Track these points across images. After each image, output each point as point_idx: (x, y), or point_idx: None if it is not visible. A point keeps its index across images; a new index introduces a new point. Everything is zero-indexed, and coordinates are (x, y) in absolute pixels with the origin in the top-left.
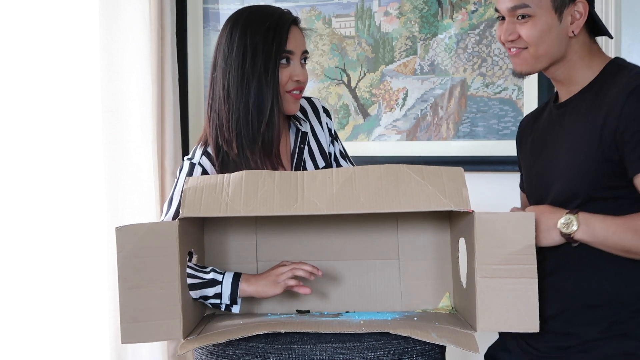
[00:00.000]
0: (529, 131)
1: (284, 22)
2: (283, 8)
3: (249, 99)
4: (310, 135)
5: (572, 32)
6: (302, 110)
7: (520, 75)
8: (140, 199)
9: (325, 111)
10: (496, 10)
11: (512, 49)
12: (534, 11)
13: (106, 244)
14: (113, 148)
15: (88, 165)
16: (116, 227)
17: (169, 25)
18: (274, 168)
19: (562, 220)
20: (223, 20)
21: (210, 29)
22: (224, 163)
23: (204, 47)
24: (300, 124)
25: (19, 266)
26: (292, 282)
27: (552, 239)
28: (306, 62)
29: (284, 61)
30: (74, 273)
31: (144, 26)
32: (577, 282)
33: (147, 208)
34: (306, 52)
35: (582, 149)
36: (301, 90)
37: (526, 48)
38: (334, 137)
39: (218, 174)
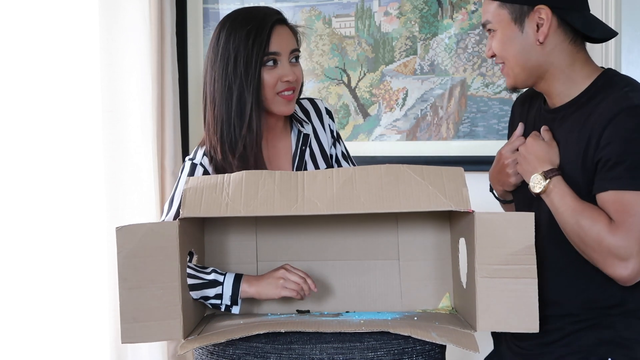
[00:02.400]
0: (519, 119)
1: (265, 23)
2: (273, 7)
3: (231, 103)
4: (312, 137)
5: (538, 40)
6: (305, 111)
7: (511, 89)
8: (140, 199)
9: (328, 112)
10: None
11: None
12: (495, 26)
13: (106, 244)
14: (113, 148)
15: (88, 165)
16: (116, 227)
17: (169, 25)
18: (259, 169)
19: (532, 180)
20: None
21: (210, 29)
22: (217, 169)
23: (204, 47)
24: (303, 126)
25: (20, 266)
26: (295, 295)
27: (511, 183)
28: (298, 60)
29: (270, 63)
30: (74, 273)
31: (144, 26)
32: (552, 289)
33: (147, 208)
34: (296, 50)
35: (569, 168)
36: (294, 90)
37: (503, 62)
38: (335, 139)
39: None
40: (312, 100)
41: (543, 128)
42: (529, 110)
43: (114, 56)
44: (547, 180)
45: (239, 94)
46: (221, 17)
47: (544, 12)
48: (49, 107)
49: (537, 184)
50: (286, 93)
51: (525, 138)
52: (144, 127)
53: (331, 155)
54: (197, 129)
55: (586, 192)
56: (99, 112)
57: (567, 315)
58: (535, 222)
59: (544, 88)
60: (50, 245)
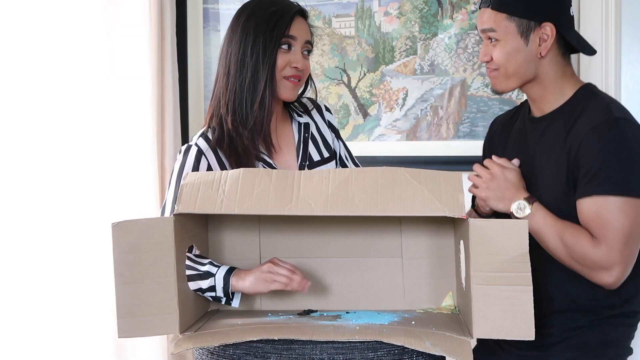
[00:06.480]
0: (499, 136)
1: (290, 9)
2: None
3: (246, 78)
4: (313, 127)
5: (540, 53)
6: (304, 106)
7: (498, 92)
8: (140, 198)
9: (328, 109)
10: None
11: (489, 69)
12: (500, 36)
13: (107, 244)
14: (113, 148)
15: (88, 164)
16: (112, 223)
17: (169, 25)
18: (267, 148)
19: (515, 206)
20: (223, 20)
21: (210, 29)
22: (220, 139)
23: (204, 47)
24: (300, 115)
25: (22, 265)
26: (284, 287)
27: (497, 208)
28: (309, 54)
29: (285, 46)
30: (76, 273)
31: (144, 26)
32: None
33: (147, 208)
34: (309, 43)
35: (553, 178)
36: (300, 79)
37: (497, 69)
38: (336, 134)
39: (212, 150)
40: (310, 99)
41: (514, 160)
42: (513, 124)
43: (114, 56)
44: (531, 205)
45: (254, 69)
46: (221, 17)
47: (549, 29)
48: (50, 107)
49: (523, 209)
50: (292, 79)
51: (505, 149)
52: (144, 127)
53: (335, 151)
54: (197, 129)
55: (569, 201)
56: (99, 112)
57: (561, 313)
58: None
59: (537, 94)
60: (52, 244)
